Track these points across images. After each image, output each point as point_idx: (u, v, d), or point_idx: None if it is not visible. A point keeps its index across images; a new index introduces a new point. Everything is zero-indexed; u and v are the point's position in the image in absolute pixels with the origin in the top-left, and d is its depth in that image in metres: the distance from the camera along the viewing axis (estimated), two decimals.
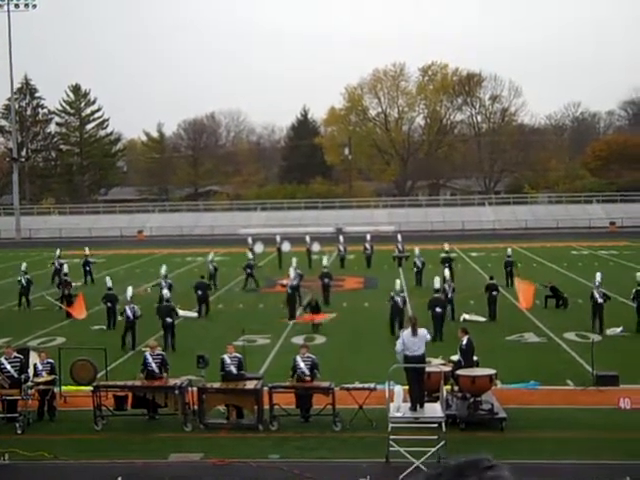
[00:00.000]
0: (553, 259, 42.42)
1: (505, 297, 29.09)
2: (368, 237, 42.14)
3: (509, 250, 34.72)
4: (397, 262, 39.72)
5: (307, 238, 42.18)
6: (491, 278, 26.63)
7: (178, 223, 74.12)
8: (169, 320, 21.97)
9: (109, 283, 25.95)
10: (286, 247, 40.71)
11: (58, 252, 37.71)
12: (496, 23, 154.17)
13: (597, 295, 23.03)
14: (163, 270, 29.13)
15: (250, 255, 36.36)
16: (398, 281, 25.22)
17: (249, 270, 33.73)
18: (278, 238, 42.16)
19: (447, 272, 28.08)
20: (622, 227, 66.05)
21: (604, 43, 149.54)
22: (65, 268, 32.47)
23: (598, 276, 23.89)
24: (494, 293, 25.58)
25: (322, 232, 58.02)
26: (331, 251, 43.64)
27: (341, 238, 43.14)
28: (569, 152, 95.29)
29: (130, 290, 23.56)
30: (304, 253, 40.66)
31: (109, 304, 25.05)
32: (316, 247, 40.97)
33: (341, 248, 40.98)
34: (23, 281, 30.17)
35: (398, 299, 23.24)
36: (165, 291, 24.57)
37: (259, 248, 40.39)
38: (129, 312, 22.30)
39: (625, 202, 72.88)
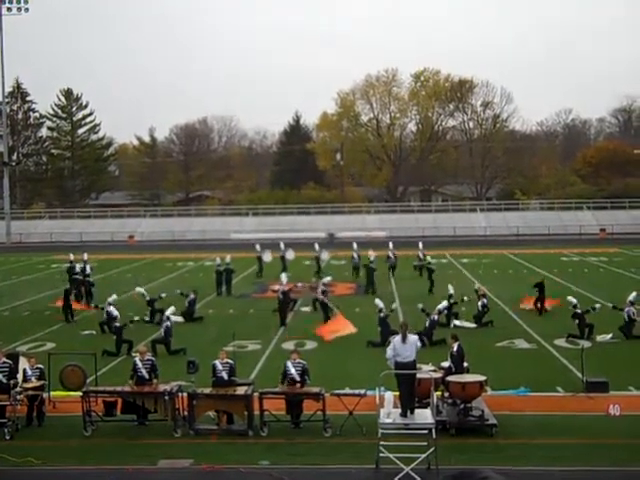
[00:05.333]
0: (544, 265, 42.50)
1: (496, 303, 29.15)
2: (391, 245, 39.79)
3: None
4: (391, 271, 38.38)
5: (316, 246, 40.67)
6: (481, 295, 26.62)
7: (169, 228, 74.01)
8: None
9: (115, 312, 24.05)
10: (290, 255, 39.32)
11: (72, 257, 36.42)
12: (488, 30, 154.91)
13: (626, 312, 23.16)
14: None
15: (218, 260, 34.94)
16: (377, 300, 24.03)
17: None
18: (282, 245, 40.76)
19: None
20: (612, 234, 66.37)
21: (595, 51, 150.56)
22: (77, 268, 32.88)
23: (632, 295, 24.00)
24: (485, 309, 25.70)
25: (314, 237, 57.74)
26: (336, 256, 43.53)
27: (390, 244, 40.17)
28: (560, 159, 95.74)
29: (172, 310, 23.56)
30: (313, 260, 39.92)
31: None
32: (325, 255, 39.34)
33: (355, 256, 38.45)
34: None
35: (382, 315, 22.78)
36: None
37: (267, 257, 38.65)
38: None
39: (615, 209, 73.25)
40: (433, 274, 33.82)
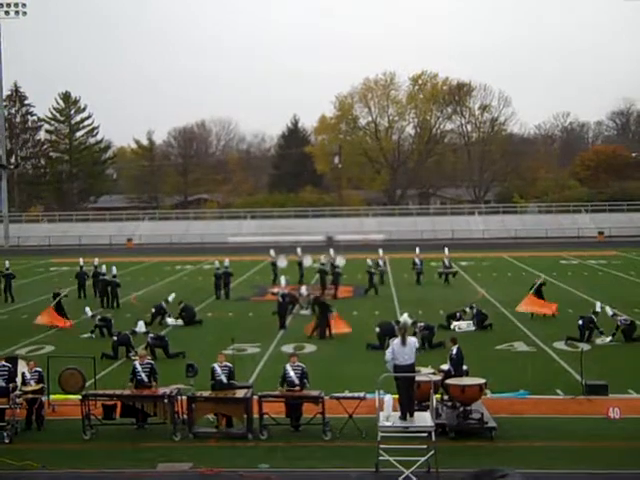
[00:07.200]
0: (542, 268, 42.42)
1: (495, 307, 29.17)
2: (417, 250, 38.48)
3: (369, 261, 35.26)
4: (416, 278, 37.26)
5: (331, 252, 38.53)
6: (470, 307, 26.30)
7: (168, 231, 74.00)
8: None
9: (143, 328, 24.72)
10: (307, 261, 37.63)
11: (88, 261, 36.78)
12: (486, 33, 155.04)
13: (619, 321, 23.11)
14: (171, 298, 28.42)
15: (217, 263, 35.03)
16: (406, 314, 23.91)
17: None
18: (299, 251, 38.41)
19: None
20: (610, 237, 66.45)
21: (594, 54, 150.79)
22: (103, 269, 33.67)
23: (608, 309, 23.97)
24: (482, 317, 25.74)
25: (312, 241, 57.69)
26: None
27: (417, 249, 38.87)
28: (558, 162, 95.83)
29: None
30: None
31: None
32: (340, 261, 36.86)
33: (373, 263, 37.17)
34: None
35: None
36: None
37: (282, 262, 36.79)
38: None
39: (613, 212, 73.38)
40: (384, 276, 34.77)
